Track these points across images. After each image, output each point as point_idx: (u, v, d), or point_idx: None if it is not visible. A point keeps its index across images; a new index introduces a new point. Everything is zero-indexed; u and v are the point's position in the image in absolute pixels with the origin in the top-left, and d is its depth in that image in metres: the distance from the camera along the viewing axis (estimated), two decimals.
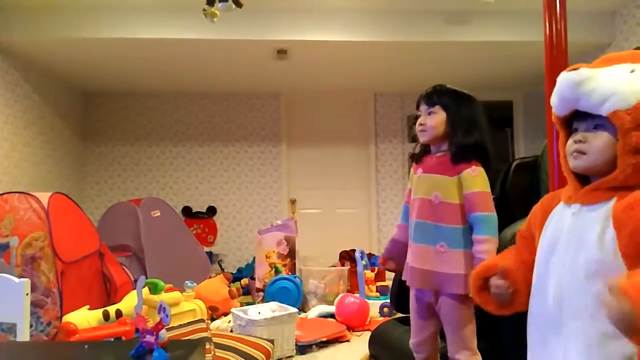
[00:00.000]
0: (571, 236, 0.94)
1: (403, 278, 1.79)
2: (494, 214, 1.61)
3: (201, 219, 5.37)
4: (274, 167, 5.52)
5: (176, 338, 2.11)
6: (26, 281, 1.43)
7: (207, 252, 4.78)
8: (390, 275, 2.20)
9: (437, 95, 1.71)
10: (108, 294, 2.94)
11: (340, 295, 3.58)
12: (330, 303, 3.68)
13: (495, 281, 1.11)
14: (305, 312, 3.76)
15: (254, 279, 4.25)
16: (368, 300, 3.59)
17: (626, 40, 3.78)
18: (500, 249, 1.55)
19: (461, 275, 1.58)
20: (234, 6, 2.78)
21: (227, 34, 3.69)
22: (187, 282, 3.22)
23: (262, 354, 2.30)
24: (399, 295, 2.59)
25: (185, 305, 2.96)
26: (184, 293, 3.06)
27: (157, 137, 5.46)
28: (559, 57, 1.87)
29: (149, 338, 1.04)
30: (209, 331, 2.33)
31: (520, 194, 2.60)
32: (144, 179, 5.43)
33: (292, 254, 4.27)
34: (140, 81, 5.03)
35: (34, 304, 2.49)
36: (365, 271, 4.09)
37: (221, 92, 5.45)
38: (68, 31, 3.65)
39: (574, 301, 0.91)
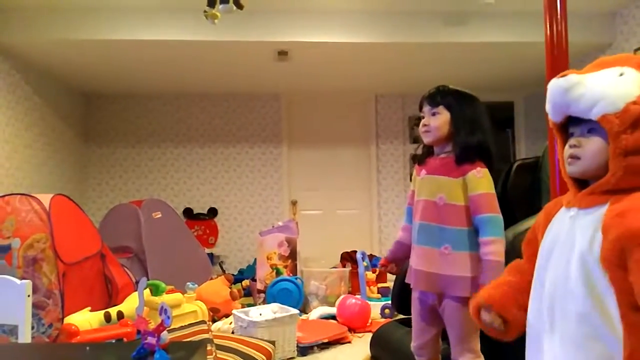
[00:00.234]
0: (567, 239, 0.95)
1: (407, 280, 1.78)
2: (500, 215, 1.60)
3: (202, 221, 5.37)
4: (275, 168, 5.52)
5: (177, 340, 2.11)
6: (28, 283, 1.43)
7: (208, 254, 4.78)
8: (391, 277, 2.20)
9: (441, 96, 1.70)
10: (109, 295, 2.94)
11: (341, 297, 3.58)
12: (332, 304, 3.68)
13: (483, 317, 1.13)
14: (307, 313, 3.76)
15: (255, 280, 4.25)
16: (369, 302, 3.59)
17: (626, 41, 3.78)
18: None
19: (466, 277, 1.57)
20: (234, 8, 2.78)
21: (228, 35, 3.69)
22: (188, 283, 3.22)
23: (264, 356, 2.30)
24: (400, 297, 2.59)
25: (186, 307, 2.95)
26: (185, 294, 3.06)
27: (158, 138, 5.46)
28: (559, 57, 1.88)
29: (151, 340, 1.04)
30: (210, 333, 2.33)
31: (521, 195, 2.61)
32: (145, 180, 5.44)
33: (293, 255, 4.27)
34: (141, 83, 5.03)
35: (35, 306, 2.49)
36: (367, 272, 4.09)
37: (222, 93, 5.45)
38: (69, 33, 3.65)
39: (563, 303, 0.92)
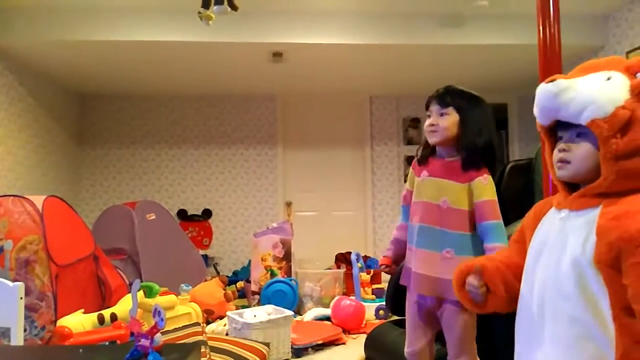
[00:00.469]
0: (557, 240, 0.95)
1: (402, 282, 1.76)
2: (502, 222, 1.61)
3: (196, 222, 5.35)
4: (270, 169, 5.52)
5: (171, 342, 2.10)
6: (20, 285, 1.42)
7: (202, 255, 4.76)
8: (385, 278, 2.20)
9: (451, 97, 1.66)
10: (103, 297, 2.93)
11: (336, 298, 3.58)
12: (326, 306, 3.68)
13: (469, 280, 1.14)
14: (301, 315, 3.75)
15: (249, 282, 4.25)
16: (364, 303, 3.59)
17: (619, 43, 3.81)
18: None
19: None
20: (229, 9, 2.78)
21: (223, 36, 3.69)
22: (182, 285, 3.21)
23: (258, 357, 2.30)
24: (394, 298, 2.59)
25: (180, 309, 2.94)
26: (179, 296, 3.05)
27: (153, 139, 5.45)
28: (552, 60, 1.88)
29: (144, 342, 1.04)
30: (204, 335, 2.32)
31: (514, 196, 2.62)
32: (139, 181, 5.42)
33: (287, 256, 4.27)
34: (136, 84, 5.02)
35: (28, 308, 2.48)
36: (361, 274, 4.09)
37: (217, 94, 5.44)
38: (63, 33, 3.64)
39: (554, 304, 0.93)
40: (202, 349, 2.03)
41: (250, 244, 4.63)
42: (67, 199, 3.26)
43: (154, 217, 4.08)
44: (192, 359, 1.10)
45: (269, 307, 3.03)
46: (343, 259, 4.74)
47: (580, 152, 0.94)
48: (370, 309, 3.61)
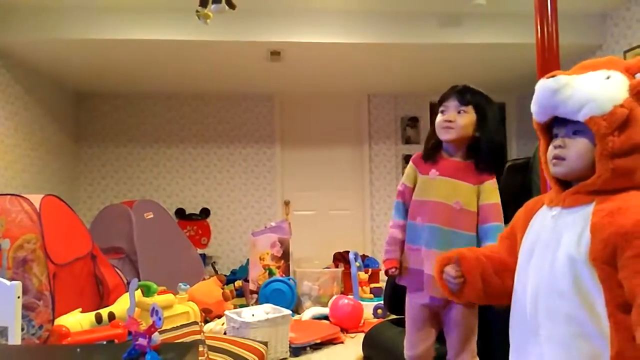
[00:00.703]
0: (550, 238, 0.96)
1: (401, 283, 1.74)
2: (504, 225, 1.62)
3: (195, 221, 5.35)
4: (268, 168, 5.52)
5: (169, 341, 2.10)
6: (17, 284, 1.42)
7: (200, 254, 4.76)
8: (384, 277, 2.19)
9: (471, 95, 1.63)
10: (101, 296, 2.92)
11: (334, 297, 3.59)
12: (324, 305, 3.68)
13: (447, 269, 1.15)
14: (299, 314, 3.76)
15: (247, 281, 4.24)
16: (362, 302, 3.60)
17: (617, 42, 3.82)
18: None
19: None
20: (227, 8, 2.77)
21: (220, 35, 3.68)
22: (180, 284, 3.21)
23: (256, 356, 2.30)
24: (392, 297, 2.60)
25: (178, 308, 2.94)
26: (177, 295, 3.05)
27: (150, 138, 5.44)
28: (550, 59, 1.88)
29: (142, 341, 1.04)
30: (202, 334, 2.32)
31: (512, 196, 2.61)
32: (137, 180, 5.41)
33: (286, 255, 4.27)
34: (133, 82, 5.01)
35: (25, 307, 2.47)
36: (359, 273, 4.10)
37: (215, 93, 5.43)
38: (60, 32, 3.62)
39: (548, 303, 0.93)
40: (200, 348, 2.03)
41: (248, 243, 4.63)
42: (64, 197, 3.25)
43: (151, 216, 4.07)
44: (190, 358, 1.10)
45: (267, 306, 3.03)
46: (341, 258, 4.75)
47: (576, 149, 0.94)
48: (368, 308, 3.62)
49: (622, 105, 0.88)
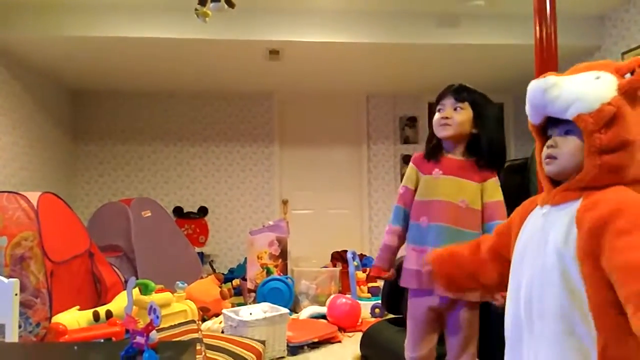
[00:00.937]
0: (541, 237, 0.97)
1: (404, 284, 1.71)
2: None
3: (192, 219, 5.34)
4: (266, 167, 5.52)
5: (167, 339, 2.10)
6: (15, 281, 1.42)
7: (198, 253, 4.76)
8: None
9: (467, 92, 1.65)
10: (98, 294, 2.92)
11: (331, 296, 3.59)
12: (322, 304, 3.68)
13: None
14: (297, 312, 3.76)
15: (245, 279, 4.25)
16: (359, 301, 3.60)
17: (615, 44, 3.83)
18: None
19: None
20: (226, 6, 2.77)
21: (219, 34, 3.67)
22: (178, 282, 3.21)
23: (254, 355, 2.30)
24: (390, 296, 2.60)
25: (176, 306, 2.94)
26: (174, 294, 3.05)
27: (148, 136, 5.43)
28: (549, 60, 1.89)
29: (139, 339, 1.04)
30: (199, 332, 2.32)
31: (511, 196, 2.62)
32: (135, 178, 5.40)
33: (283, 254, 4.27)
34: (131, 80, 5.00)
35: (23, 305, 2.46)
36: (357, 272, 4.10)
37: (213, 92, 5.43)
38: (58, 29, 3.62)
39: (541, 300, 0.94)
40: (198, 347, 2.03)
41: (246, 241, 4.63)
42: (62, 195, 3.24)
43: (149, 214, 4.07)
44: (188, 356, 1.10)
45: (265, 305, 3.03)
46: (339, 257, 4.76)
47: (567, 148, 0.95)
48: (366, 307, 3.62)
49: (609, 103, 0.89)
